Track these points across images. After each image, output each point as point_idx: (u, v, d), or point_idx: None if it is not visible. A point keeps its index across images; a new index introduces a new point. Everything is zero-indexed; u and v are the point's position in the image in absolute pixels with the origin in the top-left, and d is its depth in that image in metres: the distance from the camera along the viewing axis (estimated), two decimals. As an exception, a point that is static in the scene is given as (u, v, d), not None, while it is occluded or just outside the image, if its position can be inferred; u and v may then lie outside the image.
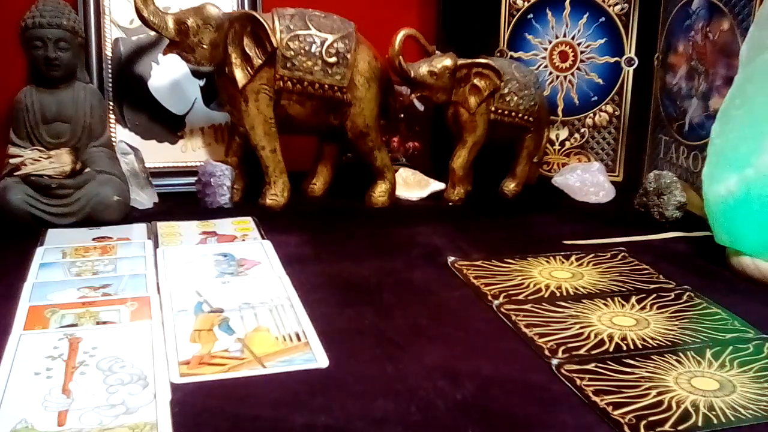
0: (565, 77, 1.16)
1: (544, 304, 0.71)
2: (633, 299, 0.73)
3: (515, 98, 1.05)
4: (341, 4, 1.05)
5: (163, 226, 0.89)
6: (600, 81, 1.15)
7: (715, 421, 0.52)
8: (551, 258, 0.84)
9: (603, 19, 1.13)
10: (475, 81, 1.01)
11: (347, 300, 0.71)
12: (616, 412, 0.52)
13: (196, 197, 1.00)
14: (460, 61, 1.01)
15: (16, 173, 0.89)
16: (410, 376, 0.57)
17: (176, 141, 1.08)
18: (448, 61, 1.00)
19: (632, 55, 1.13)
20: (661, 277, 0.79)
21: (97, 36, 1.05)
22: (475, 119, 1.03)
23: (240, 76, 0.94)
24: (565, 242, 0.90)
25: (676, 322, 0.68)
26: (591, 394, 0.55)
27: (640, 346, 0.63)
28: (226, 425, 0.50)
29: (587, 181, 1.11)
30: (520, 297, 0.73)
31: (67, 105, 0.93)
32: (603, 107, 1.16)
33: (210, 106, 1.02)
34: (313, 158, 1.10)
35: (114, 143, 1.01)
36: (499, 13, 1.14)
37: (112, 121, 1.04)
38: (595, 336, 0.64)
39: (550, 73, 1.16)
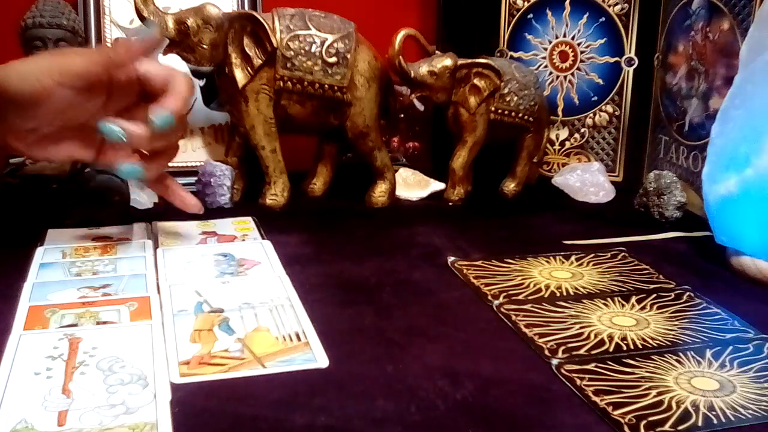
0: (565, 77, 1.16)
1: (544, 304, 0.71)
2: (633, 299, 0.73)
3: (515, 98, 1.05)
4: (341, 4, 1.05)
5: (163, 226, 0.89)
6: (600, 81, 1.15)
7: (715, 421, 0.52)
8: (551, 258, 0.84)
9: (603, 19, 1.13)
10: (475, 81, 1.01)
11: (347, 300, 0.71)
12: (616, 412, 0.52)
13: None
14: (460, 61, 1.01)
15: (16, 173, 0.89)
16: (410, 376, 0.57)
17: (176, 141, 1.07)
18: (448, 61, 1.00)
19: (632, 55, 1.13)
20: (661, 277, 0.79)
21: (97, 36, 1.05)
22: (475, 119, 1.03)
23: (240, 76, 0.94)
24: (565, 242, 0.90)
25: (676, 322, 0.68)
26: (591, 394, 0.55)
27: (640, 346, 0.63)
28: (226, 425, 0.50)
29: (587, 181, 1.11)
30: (520, 297, 0.73)
31: (67, 105, 0.93)
32: (603, 107, 1.16)
33: (210, 106, 1.02)
34: (313, 158, 1.10)
35: (114, 143, 1.01)
36: (499, 13, 1.14)
37: (112, 121, 1.04)
38: (595, 336, 0.64)
39: (550, 73, 1.16)
